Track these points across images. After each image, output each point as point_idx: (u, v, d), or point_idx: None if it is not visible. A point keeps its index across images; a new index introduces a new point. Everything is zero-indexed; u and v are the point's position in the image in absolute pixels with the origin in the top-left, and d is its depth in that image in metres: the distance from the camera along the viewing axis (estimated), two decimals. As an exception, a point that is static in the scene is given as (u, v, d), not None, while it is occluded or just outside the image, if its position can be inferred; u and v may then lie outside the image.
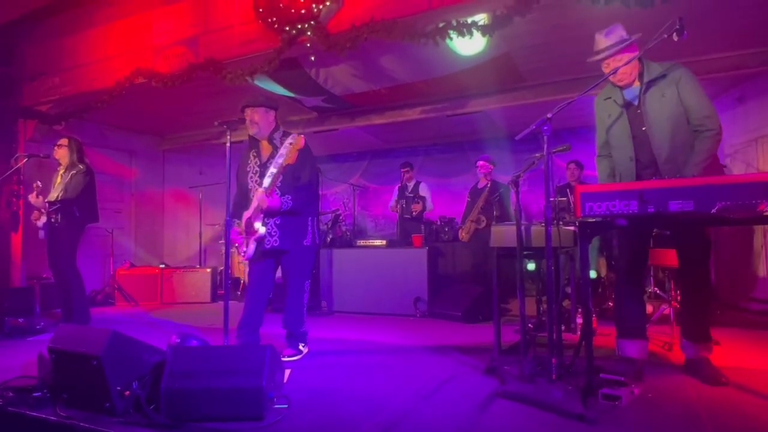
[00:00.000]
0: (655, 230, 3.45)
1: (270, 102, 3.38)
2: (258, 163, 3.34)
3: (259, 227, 3.19)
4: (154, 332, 4.14)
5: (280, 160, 3.13)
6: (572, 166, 5.58)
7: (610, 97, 2.78)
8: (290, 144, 3.14)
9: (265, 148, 3.36)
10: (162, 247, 8.13)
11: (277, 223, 3.24)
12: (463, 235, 5.93)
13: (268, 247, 3.23)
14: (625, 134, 2.70)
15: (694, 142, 2.60)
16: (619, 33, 2.65)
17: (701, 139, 2.57)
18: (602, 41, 2.68)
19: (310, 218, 3.37)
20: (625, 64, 2.57)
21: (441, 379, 2.83)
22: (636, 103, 2.69)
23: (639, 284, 2.87)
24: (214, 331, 4.16)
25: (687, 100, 2.58)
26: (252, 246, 3.23)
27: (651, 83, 2.64)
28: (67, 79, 5.64)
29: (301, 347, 3.37)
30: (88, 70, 5.48)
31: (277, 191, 3.20)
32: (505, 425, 2.13)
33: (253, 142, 3.41)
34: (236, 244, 3.34)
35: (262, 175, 3.26)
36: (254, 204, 3.20)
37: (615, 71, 2.58)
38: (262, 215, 3.20)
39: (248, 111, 3.30)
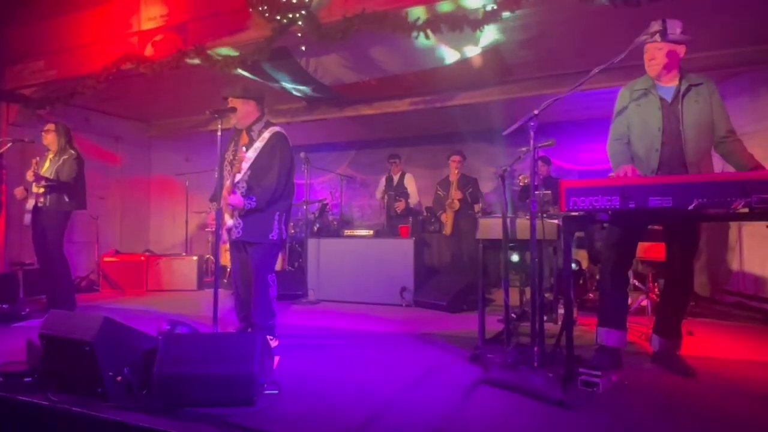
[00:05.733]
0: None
1: (247, 93, 3.31)
2: (234, 153, 3.36)
3: (228, 219, 3.24)
4: (142, 319, 4.15)
5: (242, 163, 3.20)
6: (539, 162, 5.75)
7: (644, 89, 2.83)
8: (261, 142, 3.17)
9: (244, 138, 3.36)
10: (148, 235, 8.07)
11: (242, 215, 3.25)
12: (446, 229, 6.06)
13: (234, 237, 3.28)
14: (656, 126, 2.75)
15: (711, 151, 2.74)
16: (671, 25, 2.70)
17: (735, 141, 2.72)
18: (654, 26, 2.74)
19: (277, 213, 3.30)
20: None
21: (426, 366, 2.90)
22: (671, 101, 2.76)
23: (625, 276, 2.94)
24: (201, 319, 4.18)
25: (719, 112, 2.73)
26: (226, 235, 3.30)
27: (691, 87, 2.74)
28: (53, 62, 5.52)
29: (269, 339, 3.33)
30: (74, 54, 5.37)
31: (243, 188, 3.21)
32: (488, 411, 2.22)
33: (237, 131, 3.42)
34: (209, 228, 3.47)
35: (233, 167, 3.31)
36: (224, 197, 3.24)
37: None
38: (231, 208, 3.26)
39: (230, 101, 3.30)
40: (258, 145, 3.26)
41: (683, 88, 2.74)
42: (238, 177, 3.23)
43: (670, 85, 2.78)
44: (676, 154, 2.71)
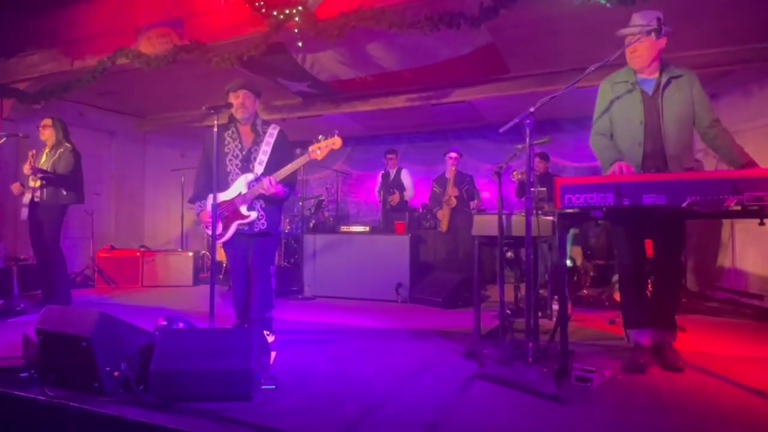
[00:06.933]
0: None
1: (255, 87, 3.43)
2: (239, 147, 3.33)
3: (248, 212, 3.22)
4: (138, 314, 4.14)
5: (305, 155, 3.22)
6: (537, 159, 5.81)
7: (626, 81, 2.81)
8: (325, 143, 3.25)
9: (247, 133, 3.37)
10: (143, 230, 8.04)
11: (263, 206, 3.28)
12: (442, 226, 6.09)
13: (256, 230, 3.25)
14: (637, 120, 2.74)
15: (692, 144, 2.74)
16: (652, 18, 2.67)
17: (721, 131, 2.70)
18: (635, 20, 2.73)
19: (282, 206, 3.48)
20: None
21: (422, 362, 2.92)
22: (651, 93, 2.75)
23: (643, 279, 2.93)
24: (197, 315, 4.20)
25: (700, 103, 2.72)
26: (232, 230, 3.26)
27: (671, 79, 2.73)
28: (47, 57, 5.48)
29: (266, 334, 3.23)
30: (69, 49, 5.32)
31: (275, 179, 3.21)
32: (483, 406, 2.24)
33: (232, 124, 3.39)
34: (203, 225, 3.40)
35: (246, 160, 3.28)
36: (248, 190, 3.21)
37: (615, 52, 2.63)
38: (251, 200, 3.22)
39: (241, 93, 3.29)
40: (269, 140, 3.33)
41: (663, 80, 2.74)
42: (261, 169, 3.26)
43: (651, 77, 2.78)
44: (658, 147, 2.72)
